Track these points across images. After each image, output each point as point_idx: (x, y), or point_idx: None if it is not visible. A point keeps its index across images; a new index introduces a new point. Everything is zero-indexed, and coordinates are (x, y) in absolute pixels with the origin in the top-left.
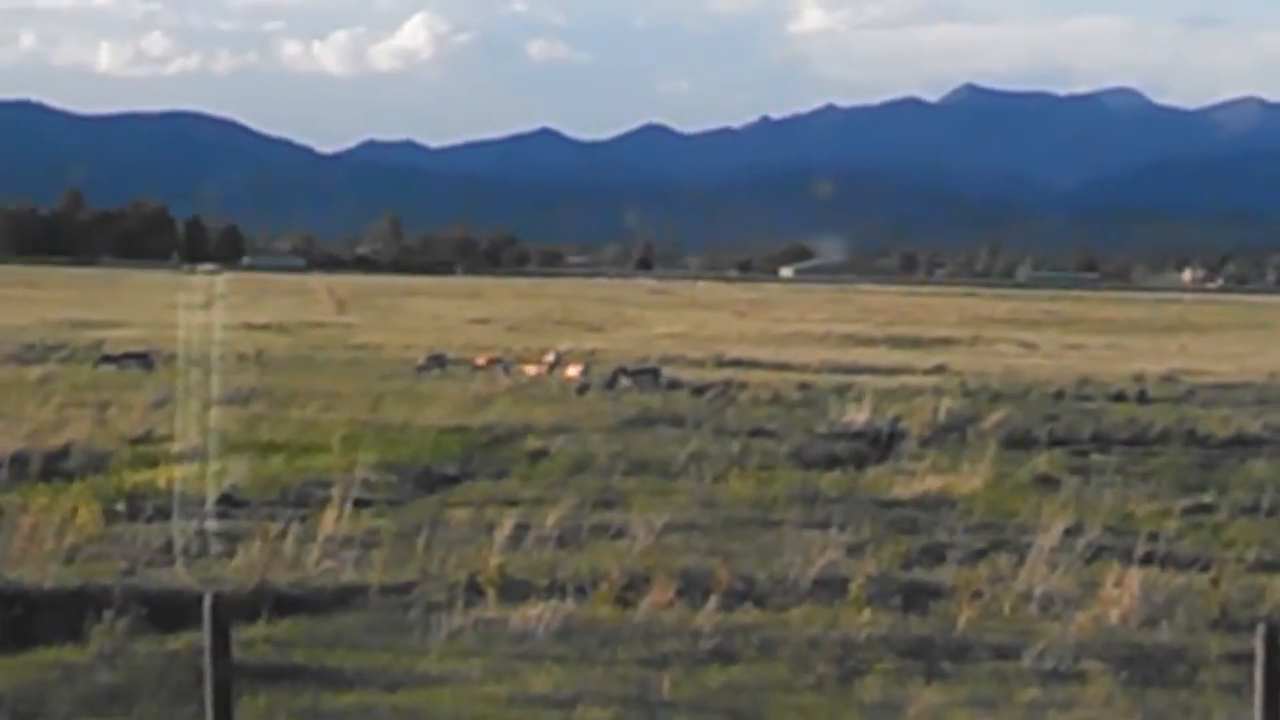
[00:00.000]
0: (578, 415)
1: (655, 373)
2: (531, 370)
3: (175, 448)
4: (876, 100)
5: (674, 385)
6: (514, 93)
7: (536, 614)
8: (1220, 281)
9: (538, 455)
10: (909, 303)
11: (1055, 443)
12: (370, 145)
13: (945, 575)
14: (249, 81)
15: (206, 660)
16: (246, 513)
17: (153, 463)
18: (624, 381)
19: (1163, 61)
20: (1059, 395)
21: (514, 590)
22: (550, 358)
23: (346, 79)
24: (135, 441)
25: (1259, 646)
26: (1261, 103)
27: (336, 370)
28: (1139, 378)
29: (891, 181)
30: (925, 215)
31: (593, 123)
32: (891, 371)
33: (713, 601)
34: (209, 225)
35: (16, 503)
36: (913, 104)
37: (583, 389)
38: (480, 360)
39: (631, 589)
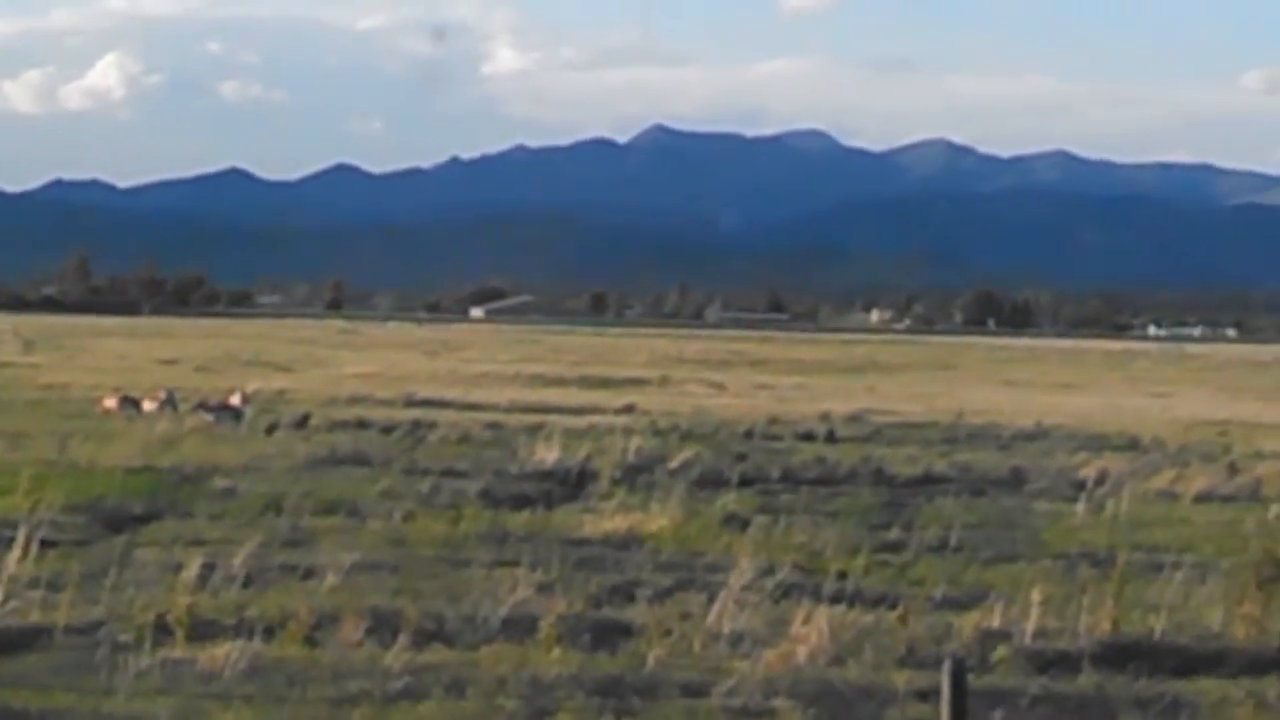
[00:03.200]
0: (267, 454)
1: (236, 410)
2: (148, 405)
3: None
4: (567, 140)
5: (363, 425)
6: (205, 132)
7: (224, 653)
8: (907, 322)
9: (226, 494)
10: (599, 343)
11: (744, 482)
12: (58, 184)
13: (635, 614)
14: None
15: None
16: None
17: None
18: (205, 415)
19: (851, 103)
20: (748, 434)
21: (202, 630)
22: (162, 395)
23: (36, 118)
24: None
25: (945, 682)
26: (949, 144)
27: (22, 410)
28: (826, 417)
29: (580, 221)
30: (614, 255)
31: (283, 162)
32: (581, 411)
33: (402, 640)
34: None
35: None
36: (602, 144)
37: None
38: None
39: (320, 628)
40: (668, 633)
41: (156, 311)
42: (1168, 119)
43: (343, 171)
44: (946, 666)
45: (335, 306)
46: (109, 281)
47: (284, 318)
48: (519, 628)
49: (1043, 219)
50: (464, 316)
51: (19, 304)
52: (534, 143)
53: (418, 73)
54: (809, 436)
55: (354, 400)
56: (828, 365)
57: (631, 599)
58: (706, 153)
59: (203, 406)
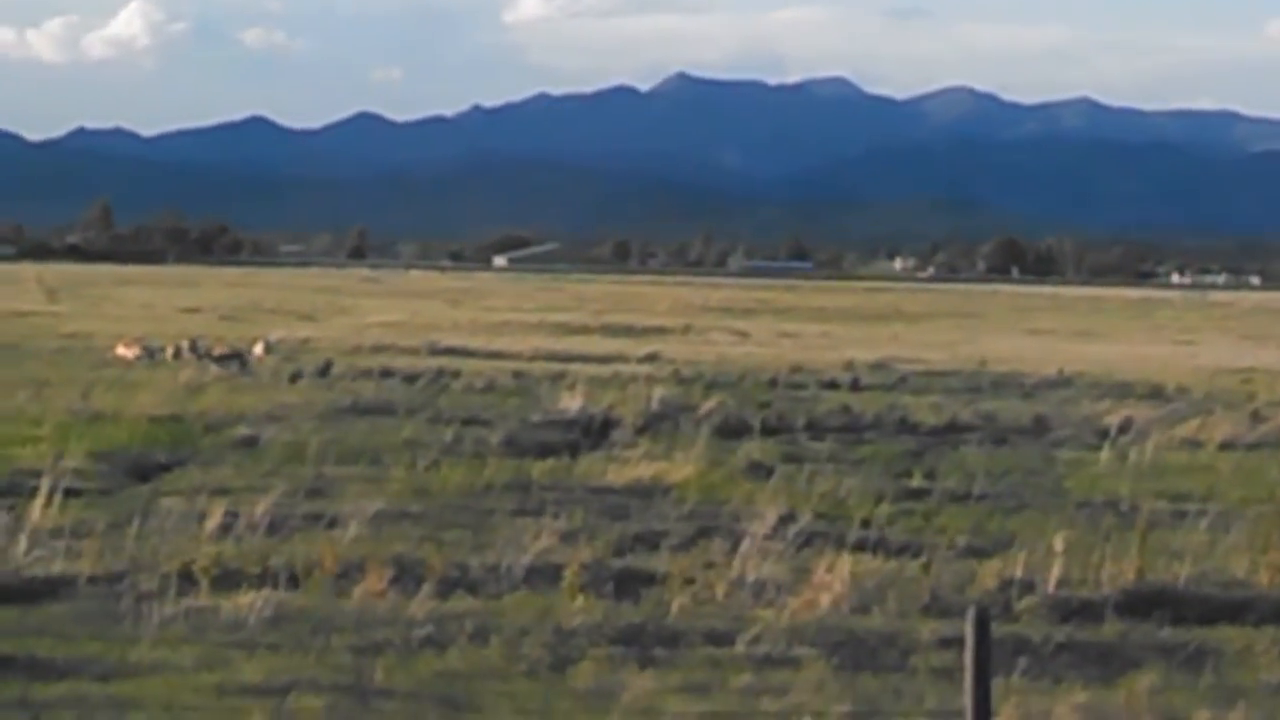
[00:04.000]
0: (290, 403)
1: (241, 357)
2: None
3: None
4: (589, 89)
5: (386, 374)
6: (228, 81)
7: (249, 602)
8: (931, 270)
9: (249, 443)
10: (622, 291)
11: (768, 430)
12: (81, 133)
13: (658, 562)
14: None
15: None
16: None
17: None
18: (213, 367)
19: (872, 51)
20: (772, 383)
21: (226, 579)
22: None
23: (59, 66)
24: None
25: (969, 631)
26: (971, 91)
27: (46, 359)
28: (851, 366)
29: (603, 170)
30: (638, 204)
31: (306, 111)
32: (605, 360)
33: (426, 589)
34: None
35: None
36: (625, 92)
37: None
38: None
39: (344, 577)
40: (691, 581)
41: (180, 260)
42: (1191, 66)
43: (365, 120)
44: (970, 615)
45: (358, 255)
46: (132, 230)
47: (308, 266)
48: (543, 576)
49: (1066, 166)
50: (487, 265)
51: (44, 252)
52: (556, 90)
53: (440, 20)
54: (833, 385)
55: (377, 349)
56: (851, 313)
57: (655, 548)
58: (729, 101)
59: (207, 355)
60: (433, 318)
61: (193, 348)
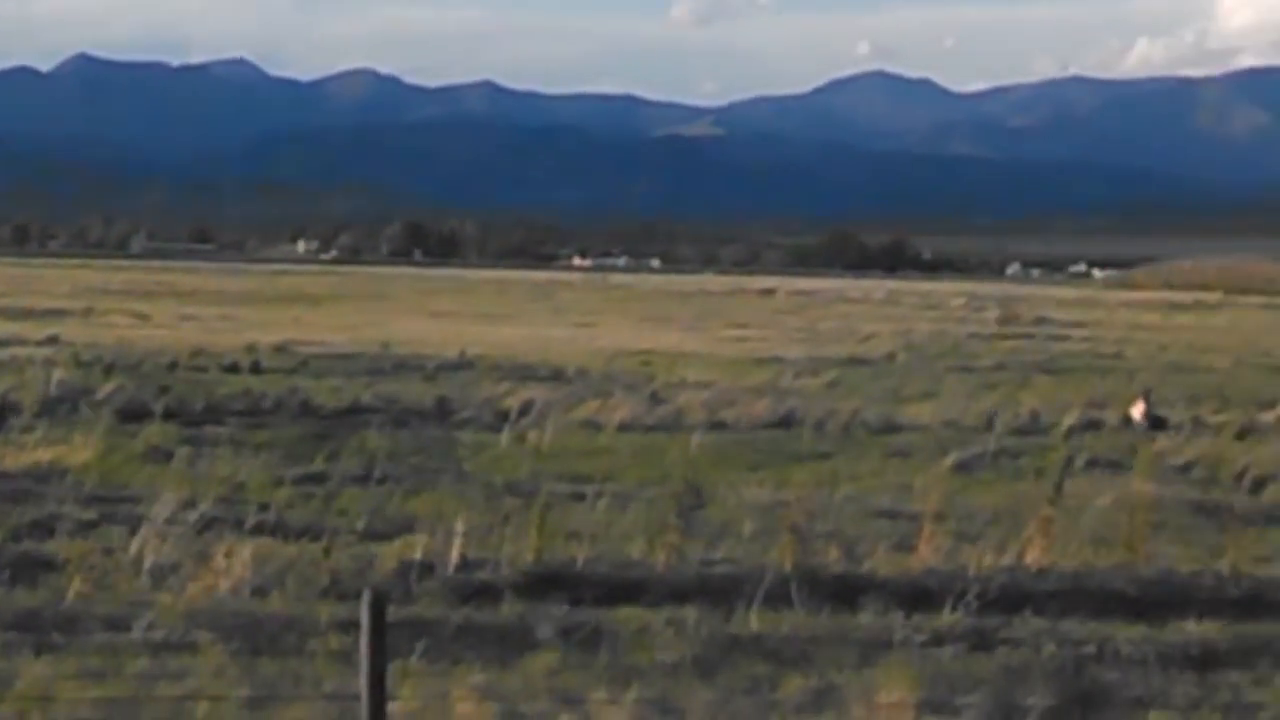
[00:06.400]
0: None
1: None
2: None
3: None
4: None
5: None
6: None
7: None
8: (334, 253)
9: None
10: (22, 274)
11: (169, 414)
12: None
13: (55, 547)
14: None
15: None
16: None
17: None
18: None
19: (278, 34)
20: (173, 366)
21: None
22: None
23: None
24: None
25: (364, 613)
26: (375, 74)
27: None
28: (252, 349)
29: (2, 151)
30: (37, 186)
31: None
32: (3, 343)
33: None
34: None
35: None
36: (25, 73)
37: None
38: None
39: None
40: (90, 566)
41: None
42: (595, 51)
43: None
44: (365, 597)
45: None
46: None
47: None
48: None
49: (470, 150)
50: None
51: None
52: None
53: None
54: (234, 368)
55: None
56: (254, 296)
57: (52, 533)
58: (131, 82)
59: None
60: None
61: None
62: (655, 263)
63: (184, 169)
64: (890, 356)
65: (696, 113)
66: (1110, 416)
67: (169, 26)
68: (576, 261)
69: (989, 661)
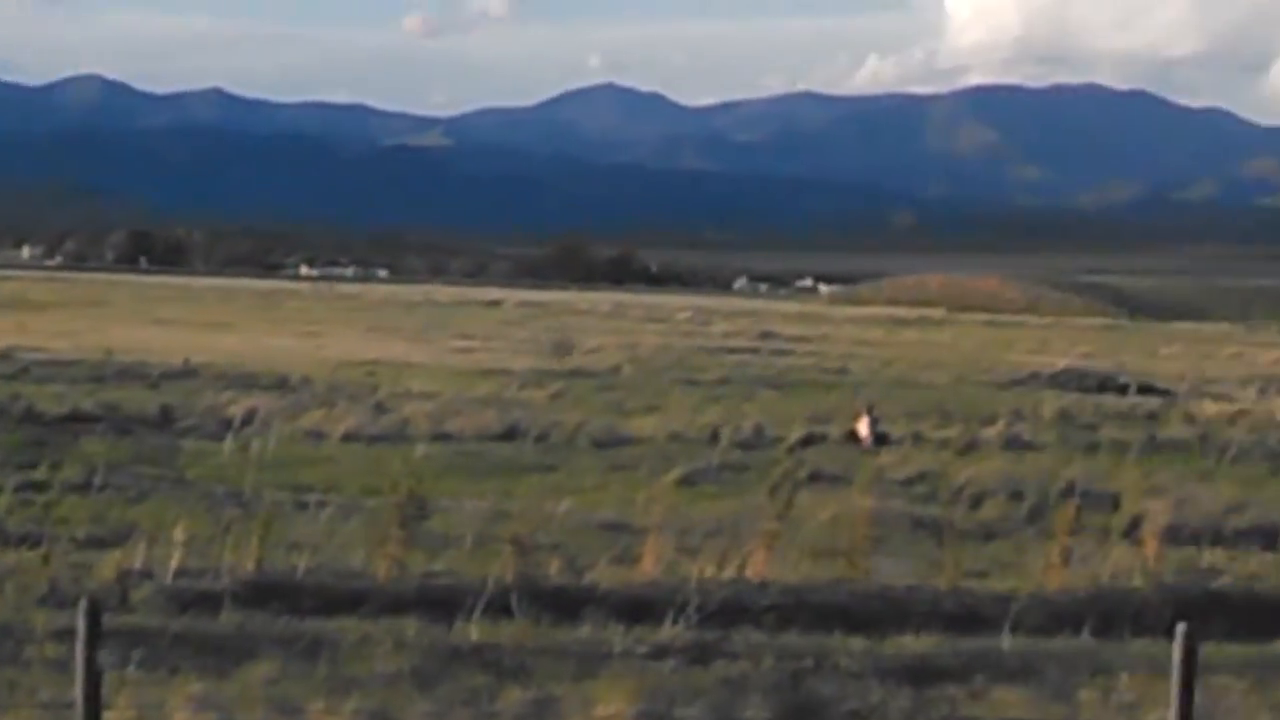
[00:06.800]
0: None
1: None
2: None
3: None
4: None
5: None
6: None
7: None
8: (59, 259)
9: None
10: None
11: None
12: None
13: None
14: None
15: None
16: None
17: None
18: None
19: (4, 38)
20: None
21: None
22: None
23: None
24: None
25: (80, 622)
26: (104, 80)
27: None
28: None
29: None
30: None
31: None
32: None
33: None
34: None
35: None
36: None
37: None
38: None
39: None
40: None
41: None
42: (326, 60)
43: None
44: (82, 606)
45: None
46: None
47: None
48: None
49: (198, 157)
50: None
51: None
52: None
53: None
54: None
55: None
56: None
57: None
58: None
59: None
60: None
61: None
62: (383, 273)
63: None
64: (616, 369)
65: (427, 123)
66: (834, 431)
67: None
68: (303, 271)
69: (708, 674)
